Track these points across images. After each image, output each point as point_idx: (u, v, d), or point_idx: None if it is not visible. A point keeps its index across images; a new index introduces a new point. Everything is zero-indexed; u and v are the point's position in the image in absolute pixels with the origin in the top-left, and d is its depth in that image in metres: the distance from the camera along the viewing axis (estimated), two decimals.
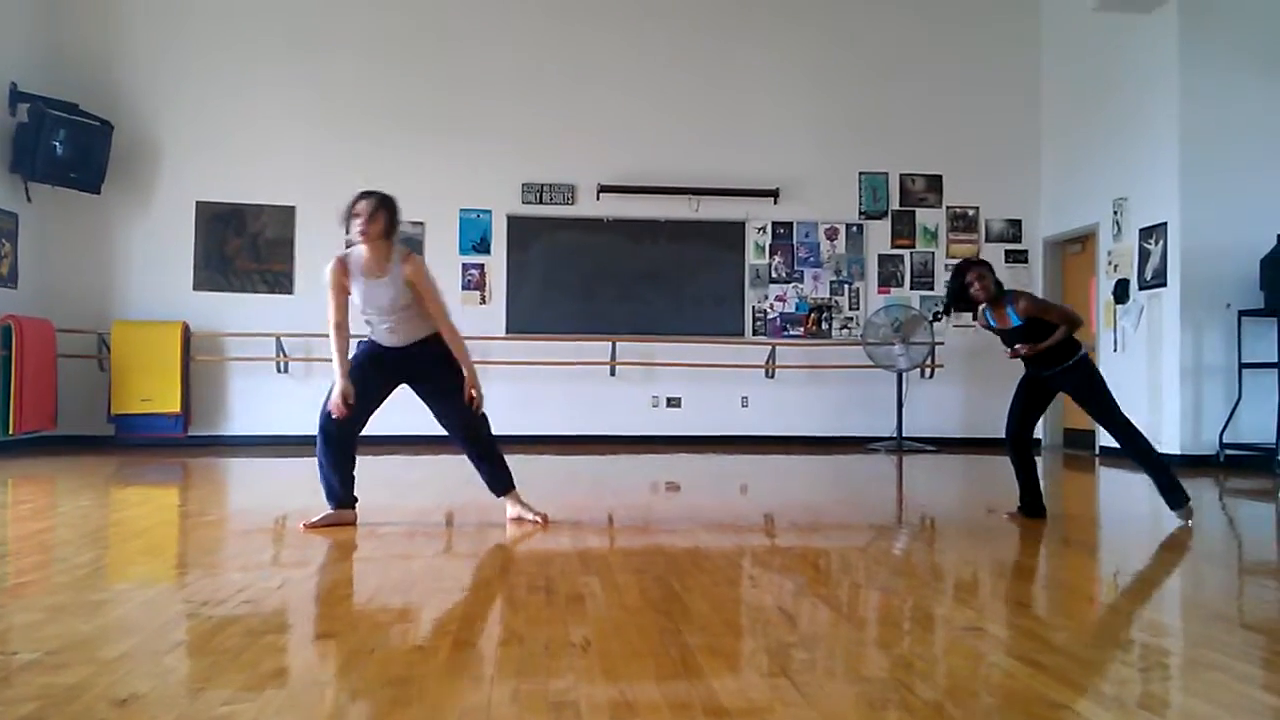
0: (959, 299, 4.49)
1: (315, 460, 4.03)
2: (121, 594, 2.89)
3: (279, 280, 9.19)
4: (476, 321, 9.26)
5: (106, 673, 2.06)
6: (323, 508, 4.01)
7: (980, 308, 4.48)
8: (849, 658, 2.29)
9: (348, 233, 3.90)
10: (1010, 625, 2.60)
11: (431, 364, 4.02)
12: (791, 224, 9.67)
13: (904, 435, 9.13)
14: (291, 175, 9.16)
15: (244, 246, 9.15)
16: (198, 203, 9.08)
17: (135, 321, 8.78)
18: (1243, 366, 7.49)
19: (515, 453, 7.17)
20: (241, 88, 9.17)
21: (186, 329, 8.81)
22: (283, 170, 9.16)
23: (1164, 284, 7.89)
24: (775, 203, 9.59)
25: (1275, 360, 7.21)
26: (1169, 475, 4.35)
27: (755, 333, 9.61)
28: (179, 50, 9.13)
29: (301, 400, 9.03)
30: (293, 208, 9.19)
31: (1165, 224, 7.86)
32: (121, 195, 8.92)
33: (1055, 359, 4.36)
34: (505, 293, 9.35)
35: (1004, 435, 4.57)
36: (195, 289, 9.06)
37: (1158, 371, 7.96)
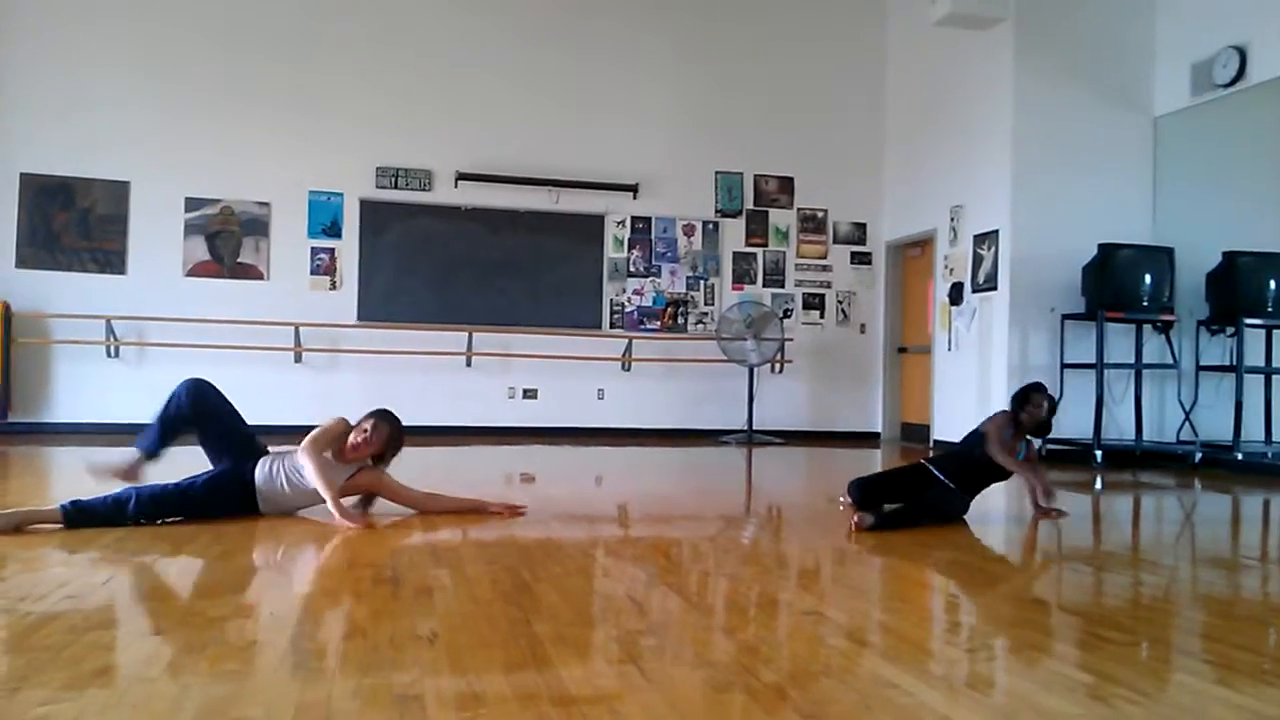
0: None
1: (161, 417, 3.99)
2: None
3: (110, 259, 8.68)
4: (326, 308, 9.02)
5: None
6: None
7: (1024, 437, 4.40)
8: (696, 644, 2.33)
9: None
10: (848, 609, 2.71)
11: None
12: (650, 219, 9.77)
13: (754, 428, 9.37)
14: (127, 149, 8.66)
15: (73, 222, 8.60)
16: (21, 174, 8.48)
17: None
18: (1064, 367, 8.01)
19: None
20: (74, 54, 8.61)
21: (7, 309, 8.23)
22: (117, 144, 8.65)
23: (995, 288, 8.35)
24: (634, 198, 9.67)
25: (1093, 361, 7.74)
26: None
27: (612, 326, 9.67)
28: (6, 11, 8.49)
29: (133, 386, 8.58)
30: (127, 183, 8.70)
31: (997, 231, 8.32)
32: None
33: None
34: (357, 279, 9.09)
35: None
36: (18, 266, 8.47)
37: (988, 370, 8.42)
